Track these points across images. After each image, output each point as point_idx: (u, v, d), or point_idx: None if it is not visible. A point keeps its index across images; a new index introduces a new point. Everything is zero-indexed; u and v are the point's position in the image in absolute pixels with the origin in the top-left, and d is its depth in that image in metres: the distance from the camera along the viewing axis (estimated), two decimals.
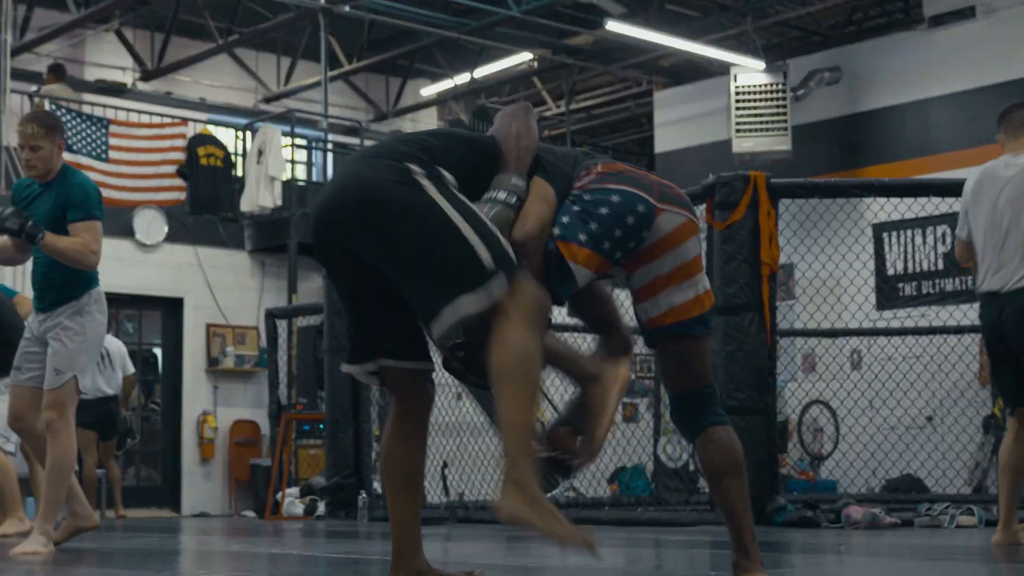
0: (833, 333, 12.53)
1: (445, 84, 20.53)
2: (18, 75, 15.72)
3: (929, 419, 12.69)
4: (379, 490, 10.59)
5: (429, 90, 21.12)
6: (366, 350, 3.63)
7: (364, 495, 10.53)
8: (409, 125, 21.05)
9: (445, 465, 11.71)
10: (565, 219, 3.58)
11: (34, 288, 6.40)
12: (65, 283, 6.25)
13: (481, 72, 19.75)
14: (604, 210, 3.60)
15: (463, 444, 11.75)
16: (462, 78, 20.04)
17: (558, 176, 3.67)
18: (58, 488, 6.21)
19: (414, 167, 3.41)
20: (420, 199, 3.36)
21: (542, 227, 3.51)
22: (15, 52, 15.51)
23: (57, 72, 14.96)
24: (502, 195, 3.51)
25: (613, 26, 15.86)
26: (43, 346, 6.29)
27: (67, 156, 14.00)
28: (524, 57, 19.27)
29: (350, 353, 3.67)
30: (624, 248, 3.62)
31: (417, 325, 3.55)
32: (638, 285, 3.70)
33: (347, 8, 16.22)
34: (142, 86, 18.37)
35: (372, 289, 3.54)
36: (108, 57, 18.26)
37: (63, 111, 14.30)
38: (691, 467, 12.60)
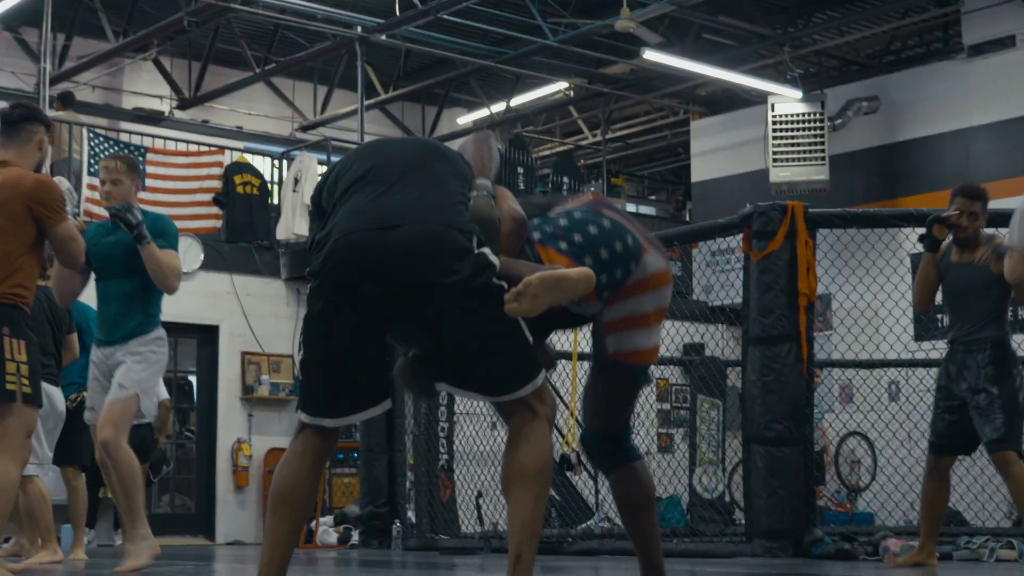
0: (871, 364, 12.42)
1: (481, 113, 20.55)
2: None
3: None
4: (413, 519, 10.55)
5: (465, 119, 21.14)
6: (346, 403, 3.62)
7: (398, 524, 10.49)
8: None
9: (479, 495, 11.65)
10: (548, 228, 3.79)
11: (103, 324, 6.63)
12: (139, 320, 6.63)
13: (517, 101, 19.77)
14: (593, 229, 3.72)
15: (497, 474, 11.67)
16: (498, 107, 20.06)
17: (528, 205, 3.86)
18: (137, 499, 6.46)
19: (488, 255, 3.52)
20: (494, 290, 3.50)
21: (519, 215, 3.70)
22: (54, 80, 15.61)
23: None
24: (480, 191, 3.66)
25: (650, 55, 15.83)
26: (110, 379, 6.50)
27: None
28: (560, 86, 19.28)
29: (325, 405, 3.60)
30: (610, 272, 3.68)
31: (379, 375, 3.63)
32: (612, 318, 3.81)
33: (383, 37, 16.26)
34: (179, 114, 18.46)
35: (374, 340, 3.58)
36: (146, 86, 18.36)
37: (100, 139, 14.37)
38: (727, 498, 12.50)
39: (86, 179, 14.06)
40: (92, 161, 14.11)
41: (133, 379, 6.43)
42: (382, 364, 3.64)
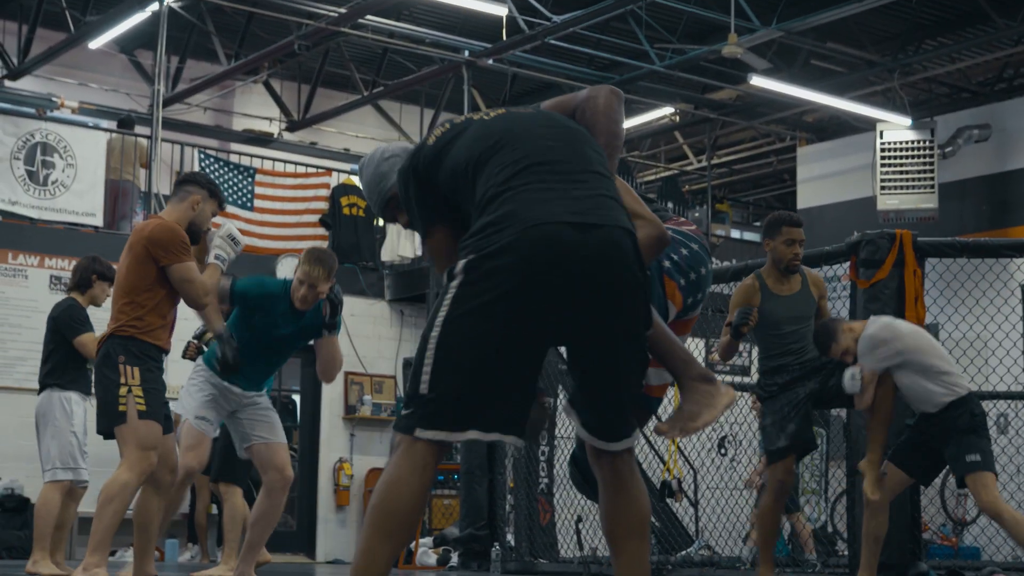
0: (980, 396, 12.17)
1: None
2: (169, 124, 16.10)
3: None
4: (512, 542, 10.55)
5: None
6: (496, 416, 3.17)
7: (497, 547, 10.49)
8: None
9: (579, 519, 11.62)
10: (675, 256, 3.68)
11: (252, 374, 6.96)
12: (275, 376, 7.45)
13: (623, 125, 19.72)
14: (703, 270, 3.68)
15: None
16: None
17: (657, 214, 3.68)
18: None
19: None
20: (648, 325, 3.31)
21: (665, 235, 3.52)
22: (167, 102, 15.89)
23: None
24: None
25: (758, 81, 15.75)
26: (231, 408, 6.94)
27: None
28: (666, 111, 19.23)
29: (468, 416, 3.15)
30: (694, 296, 3.67)
31: (527, 401, 3.24)
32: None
33: (490, 61, 16.35)
34: (288, 136, 18.69)
35: (538, 354, 3.22)
36: (256, 108, 18.62)
37: (211, 159, 14.60)
38: (829, 529, 12.35)
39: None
40: None
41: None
42: (533, 390, 3.23)
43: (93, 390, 7.15)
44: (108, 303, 6.88)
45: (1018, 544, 6.99)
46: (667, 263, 3.68)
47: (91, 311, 8.36)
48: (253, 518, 6.90)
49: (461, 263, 3.13)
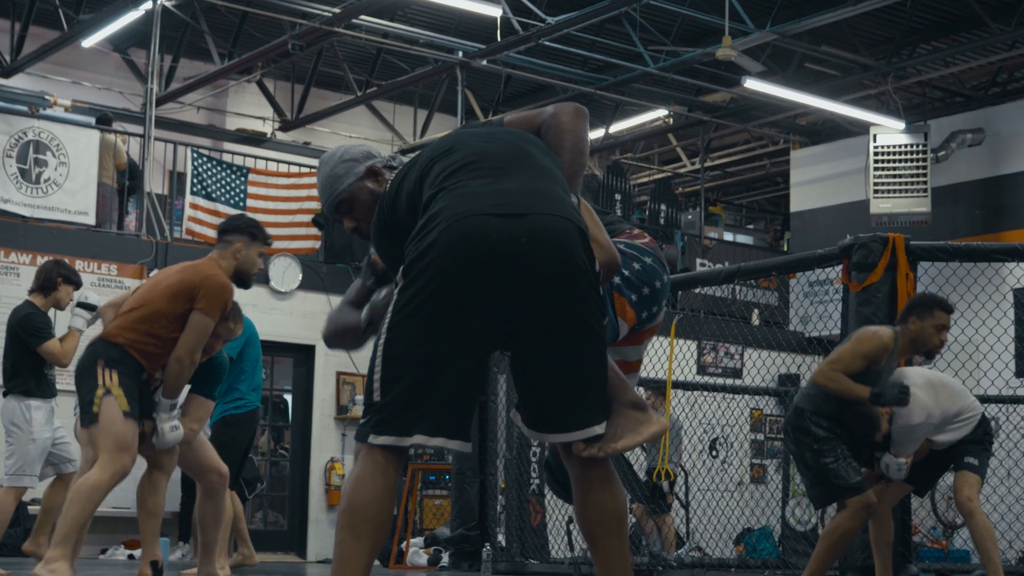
0: None
1: None
2: (162, 123, 16.08)
3: None
4: (503, 543, 10.55)
5: None
6: (444, 419, 3.17)
7: (488, 547, 10.49)
8: None
9: (570, 520, 11.62)
10: (626, 272, 3.62)
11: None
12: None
13: (616, 127, 19.75)
14: (658, 283, 3.64)
15: None
16: (597, 133, 20.06)
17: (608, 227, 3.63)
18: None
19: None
20: (602, 315, 3.24)
21: (616, 260, 3.46)
22: (160, 101, 15.87)
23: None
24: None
25: (751, 84, 15.76)
26: None
27: (206, 204, 14.37)
28: (660, 113, 19.24)
29: (418, 419, 3.13)
30: (648, 309, 3.64)
31: (472, 402, 3.25)
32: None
33: (484, 62, 16.35)
34: (281, 136, 18.68)
35: (481, 352, 3.21)
36: (249, 107, 18.61)
37: (204, 159, 14.58)
38: (820, 531, 12.35)
39: (189, 198, 14.30)
40: (195, 181, 14.34)
41: None
42: (478, 389, 3.24)
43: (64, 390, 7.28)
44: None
45: (977, 549, 7.05)
46: (617, 279, 3.60)
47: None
48: (205, 521, 6.87)
49: (401, 268, 3.15)
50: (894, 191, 16.04)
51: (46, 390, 8.26)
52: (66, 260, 8.72)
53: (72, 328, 7.68)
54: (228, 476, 6.98)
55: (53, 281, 8.19)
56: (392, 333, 3.12)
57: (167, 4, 14.86)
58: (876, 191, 16.07)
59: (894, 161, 16.14)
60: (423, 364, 3.09)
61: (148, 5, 14.34)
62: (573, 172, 3.38)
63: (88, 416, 6.11)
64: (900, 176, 16.07)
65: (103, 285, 13.08)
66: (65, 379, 8.33)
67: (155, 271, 13.36)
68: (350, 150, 3.77)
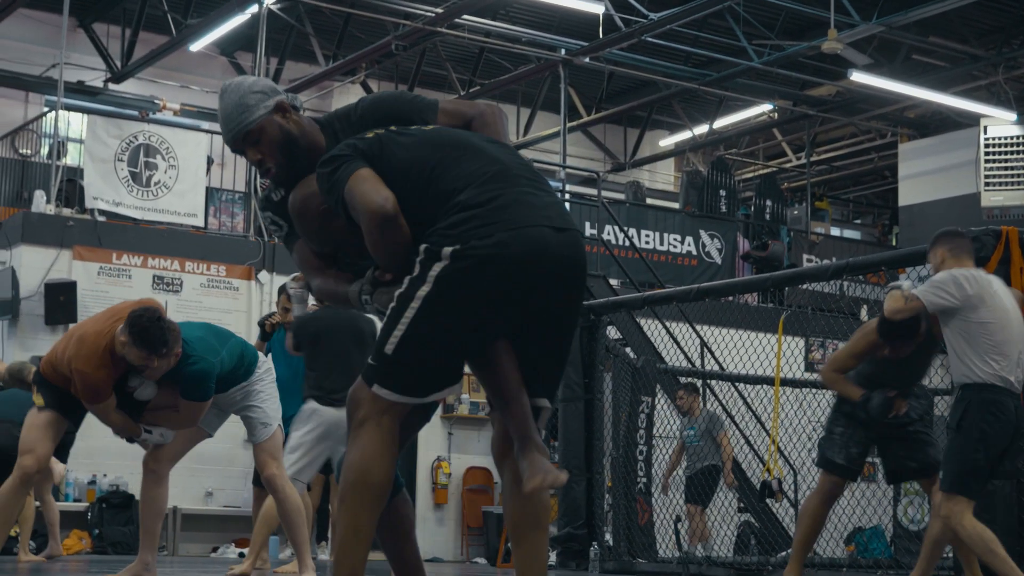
0: None
1: (683, 135, 20.45)
2: None
3: None
4: (611, 542, 10.52)
5: (667, 141, 21.07)
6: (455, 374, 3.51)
7: (596, 546, 10.46)
8: (646, 176, 21.01)
9: (678, 519, 11.56)
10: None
11: None
12: None
13: (720, 123, 19.63)
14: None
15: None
16: (701, 129, 19.94)
17: None
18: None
19: None
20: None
21: None
22: None
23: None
24: None
25: (858, 77, 15.57)
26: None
27: None
28: (764, 108, 19.10)
29: (432, 384, 3.47)
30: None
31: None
32: None
33: (587, 59, 16.33)
34: None
35: (493, 339, 3.51)
36: None
37: None
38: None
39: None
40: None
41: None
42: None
43: None
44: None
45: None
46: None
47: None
48: (151, 508, 6.60)
49: (448, 249, 3.31)
50: (1006, 183, 15.77)
51: None
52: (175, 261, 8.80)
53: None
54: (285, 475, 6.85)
55: None
56: (431, 306, 3.33)
57: (272, 7, 15.03)
58: (987, 184, 15.81)
59: (1006, 153, 15.87)
60: (451, 342, 3.39)
61: (254, 8, 14.52)
62: None
63: None
64: (1012, 168, 15.80)
65: (212, 286, 13.26)
66: None
67: (262, 272, 13.54)
68: (258, 82, 3.76)
